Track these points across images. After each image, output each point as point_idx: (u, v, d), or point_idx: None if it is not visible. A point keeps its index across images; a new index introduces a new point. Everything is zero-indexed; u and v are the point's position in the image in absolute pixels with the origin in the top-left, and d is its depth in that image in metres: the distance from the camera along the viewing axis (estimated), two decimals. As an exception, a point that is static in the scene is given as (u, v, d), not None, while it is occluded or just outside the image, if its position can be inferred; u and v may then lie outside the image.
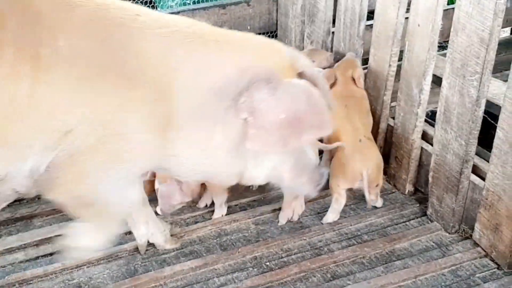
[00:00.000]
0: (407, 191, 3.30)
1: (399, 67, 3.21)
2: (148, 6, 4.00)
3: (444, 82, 2.85)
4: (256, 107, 2.27)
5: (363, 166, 2.95)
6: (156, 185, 3.01)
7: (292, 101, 2.28)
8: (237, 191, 3.20)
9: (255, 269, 2.84)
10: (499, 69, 3.66)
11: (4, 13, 2.07)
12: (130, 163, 2.34)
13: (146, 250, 2.94)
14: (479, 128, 2.78)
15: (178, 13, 3.82)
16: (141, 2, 4.03)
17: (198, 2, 4.03)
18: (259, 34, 4.12)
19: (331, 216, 3.11)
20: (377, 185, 3.07)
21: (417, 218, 3.15)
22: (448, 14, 3.00)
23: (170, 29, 2.30)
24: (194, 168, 2.44)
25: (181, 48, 2.28)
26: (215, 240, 3.01)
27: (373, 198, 3.12)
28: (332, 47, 3.70)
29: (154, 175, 3.00)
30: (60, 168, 2.24)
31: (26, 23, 2.09)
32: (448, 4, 4.28)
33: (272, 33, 4.18)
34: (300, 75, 2.40)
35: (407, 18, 3.07)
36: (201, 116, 2.30)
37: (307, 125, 2.32)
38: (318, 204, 3.24)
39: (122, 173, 2.36)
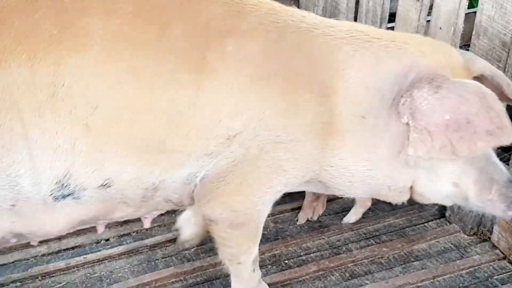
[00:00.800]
0: (425, 193, 3.32)
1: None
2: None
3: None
4: (417, 108, 2.08)
5: None
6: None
7: (460, 102, 2.06)
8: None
9: (274, 267, 2.88)
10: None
11: (170, 22, 2.05)
12: (291, 174, 2.22)
13: (166, 246, 2.98)
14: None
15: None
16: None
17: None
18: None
19: (354, 217, 3.13)
20: None
21: (435, 219, 3.17)
22: (469, 18, 3.01)
23: (337, 28, 2.23)
24: (353, 180, 2.29)
25: (349, 46, 2.18)
26: (234, 238, 3.05)
27: None
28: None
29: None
30: (222, 177, 2.18)
31: (193, 30, 2.06)
32: (468, 7, 4.29)
33: (292, 34, 4.20)
34: (479, 79, 2.22)
35: (428, 21, 3.09)
36: (365, 121, 2.17)
37: (481, 130, 2.06)
38: (337, 203, 3.27)
39: (282, 184, 2.25)
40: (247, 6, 2.15)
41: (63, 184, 2.02)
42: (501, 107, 2.08)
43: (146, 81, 2.00)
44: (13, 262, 2.89)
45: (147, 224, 2.57)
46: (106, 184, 2.07)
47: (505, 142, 2.10)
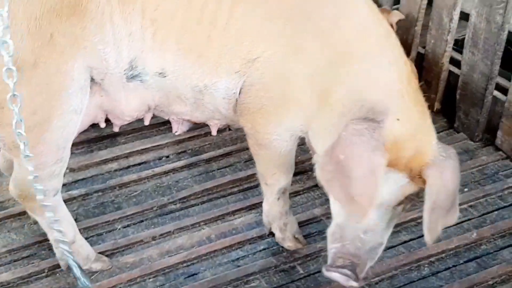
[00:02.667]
0: (435, 108, 3.81)
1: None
2: None
3: (472, 11, 3.36)
4: (344, 131, 2.18)
5: None
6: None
7: (356, 158, 2.14)
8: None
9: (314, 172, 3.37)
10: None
11: None
12: (294, 115, 2.43)
13: (219, 160, 3.47)
14: (502, 50, 3.31)
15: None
16: None
17: None
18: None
19: None
20: None
21: (445, 130, 3.69)
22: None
23: (381, 27, 2.35)
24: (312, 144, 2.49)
25: (374, 44, 2.31)
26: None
27: None
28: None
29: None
30: (246, 97, 2.44)
31: None
32: None
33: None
34: (425, 169, 2.19)
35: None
36: (336, 113, 2.30)
37: (350, 192, 2.14)
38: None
39: (287, 122, 2.46)
40: None
41: (132, 65, 2.41)
42: (374, 189, 2.11)
43: None
44: (91, 177, 3.37)
45: (213, 131, 2.93)
46: (162, 73, 2.43)
47: (355, 212, 2.21)
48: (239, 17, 2.35)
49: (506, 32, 3.25)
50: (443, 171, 2.21)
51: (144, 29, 2.37)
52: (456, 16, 3.50)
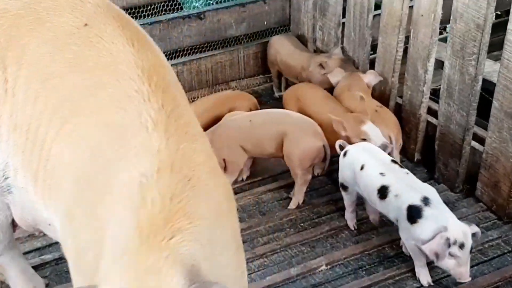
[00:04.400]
0: (415, 159, 3.79)
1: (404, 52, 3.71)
2: (174, 7, 4.45)
3: (446, 63, 3.35)
4: None
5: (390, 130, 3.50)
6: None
7: None
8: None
9: (292, 229, 3.33)
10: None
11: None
12: None
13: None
14: (477, 101, 3.28)
15: (203, 12, 4.30)
16: (167, 3, 4.47)
17: (221, 2, 4.46)
18: (274, 28, 4.63)
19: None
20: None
21: (426, 181, 3.60)
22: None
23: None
24: None
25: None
26: (254, 207, 3.49)
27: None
28: (342, 37, 4.18)
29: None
30: None
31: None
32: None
33: (285, 27, 4.66)
34: None
35: (411, 6, 3.54)
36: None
37: None
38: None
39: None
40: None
41: (4, 174, 2.29)
42: None
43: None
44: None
45: None
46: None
47: None
48: (54, 154, 2.13)
49: (479, 84, 3.23)
50: None
51: (8, 134, 2.24)
52: (430, 67, 3.49)
